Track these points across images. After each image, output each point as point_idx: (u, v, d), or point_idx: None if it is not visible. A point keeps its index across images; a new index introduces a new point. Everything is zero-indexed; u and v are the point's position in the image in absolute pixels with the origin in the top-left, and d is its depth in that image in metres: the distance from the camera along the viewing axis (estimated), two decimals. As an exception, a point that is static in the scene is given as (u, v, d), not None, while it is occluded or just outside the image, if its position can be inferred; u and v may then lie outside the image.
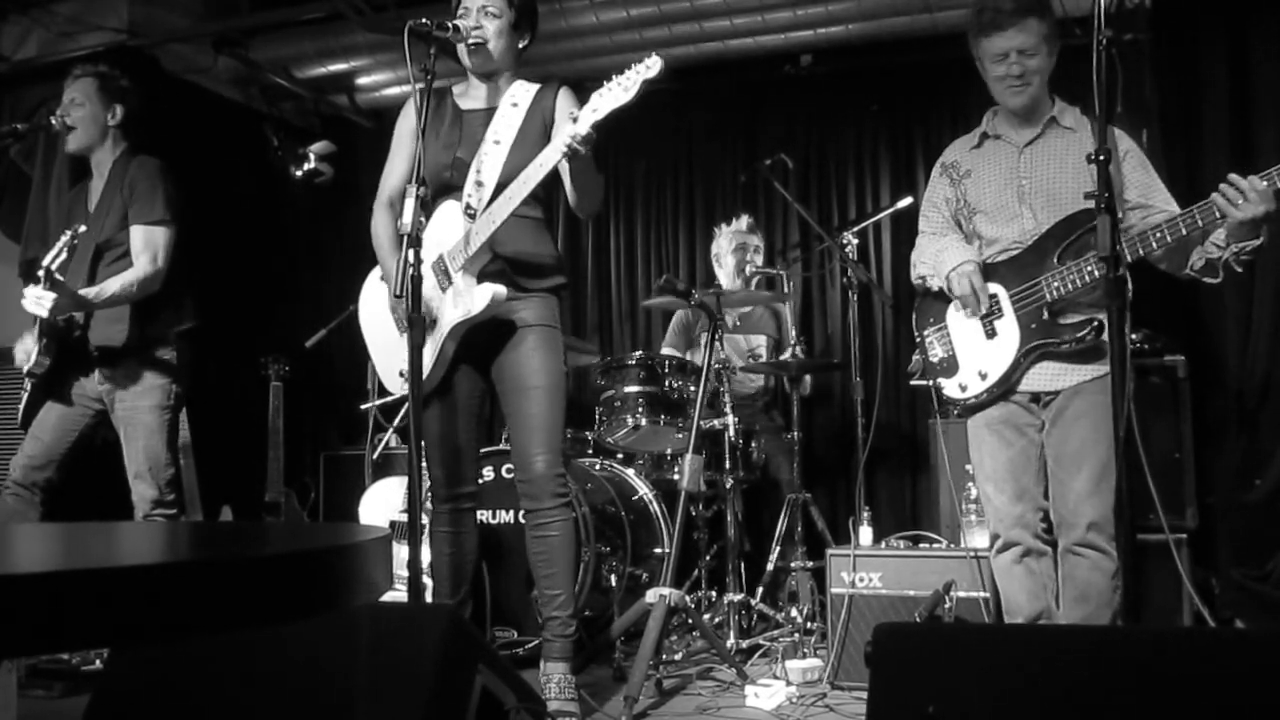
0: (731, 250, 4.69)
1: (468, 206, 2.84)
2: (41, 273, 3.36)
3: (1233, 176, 2.49)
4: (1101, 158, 2.31)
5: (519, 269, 2.90)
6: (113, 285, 3.42)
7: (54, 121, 3.70)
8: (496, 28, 2.89)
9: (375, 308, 3.16)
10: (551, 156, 2.67)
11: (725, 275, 4.71)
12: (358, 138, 5.74)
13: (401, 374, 3.04)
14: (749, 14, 4.71)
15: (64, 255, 3.35)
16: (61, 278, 3.35)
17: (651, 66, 2.57)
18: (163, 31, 5.04)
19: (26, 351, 3.56)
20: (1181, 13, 4.48)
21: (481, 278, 2.83)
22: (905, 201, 4.22)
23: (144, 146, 3.67)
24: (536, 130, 2.89)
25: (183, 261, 3.57)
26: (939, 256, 2.93)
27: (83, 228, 3.40)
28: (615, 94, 2.59)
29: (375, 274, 3.19)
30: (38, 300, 3.33)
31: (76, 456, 3.56)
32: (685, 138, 5.71)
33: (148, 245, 3.49)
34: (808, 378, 4.57)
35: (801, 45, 5.00)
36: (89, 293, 3.39)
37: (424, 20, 2.72)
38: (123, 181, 3.56)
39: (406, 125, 3.05)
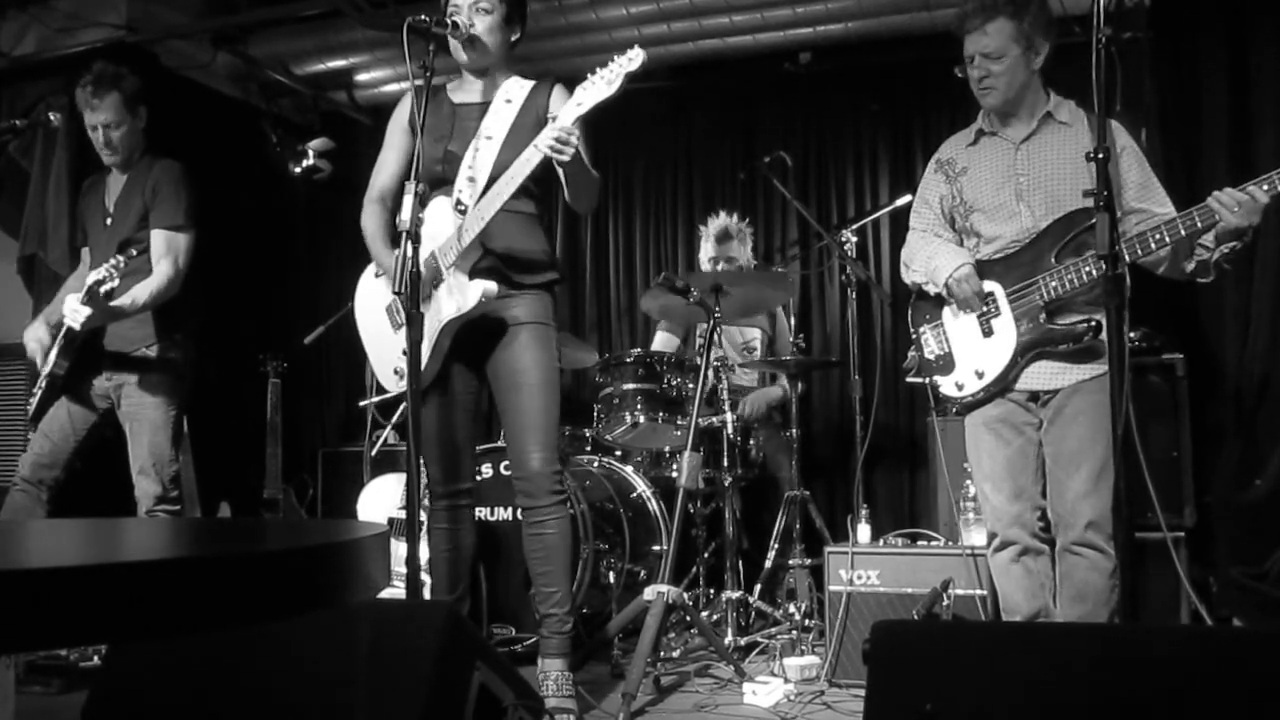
0: (708, 260, 4.67)
1: (458, 202, 2.85)
2: (87, 289, 3.37)
3: (1229, 189, 2.51)
4: (1100, 156, 2.31)
5: (511, 265, 2.91)
6: (143, 294, 3.45)
7: (52, 118, 3.68)
8: (488, 23, 2.90)
9: (369, 305, 3.16)
10: (535, 154, 2.67)
11: None
12: (356, 134, 5.74)
13: (396, 371, 3.05)
14: (748, 11, 4.72)
15: (115, 282, 3.34)
16: (104, 297, 3.34)
17: (634, 59, 2.57)
18: (161, 28, 5.03)
19: (38, 339, 3.58)
20: (1180, 11, 4.49)
21: (473, 274, 2.83)
22: (904, 199, 4.20)
23: (149, 143, 3.68)
24: (529, 127, 2.89)
25: (193, 262, 3.58)
26: (931, 262, 2.92)
27: (134, 251, 3.41)
28: (598, 88, 2.60)
29: (369, 271, 3.19)
30: (74, 313, 3.35)
31: (84, 454, 3.58)
32: (684, 135, 5.71)
33: (169, 250, 3.51)
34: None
35: (800, 43, 5.00)
36: (122, 303, 3.41)
37: (423, 17, 2.73)
38: (145, 183, 3.57)
39: (400, 121, 3.06)
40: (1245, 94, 4.37)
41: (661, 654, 3.37)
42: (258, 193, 5.47)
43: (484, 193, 2.80)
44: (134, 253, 3.41)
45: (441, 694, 1.88)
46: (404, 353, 2.72)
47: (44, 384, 3.54)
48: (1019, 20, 2.75)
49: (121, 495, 3.61)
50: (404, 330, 2.84)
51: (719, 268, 4.61)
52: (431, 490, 2.99)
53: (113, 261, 3.35)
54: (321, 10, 4.95)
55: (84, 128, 3.66)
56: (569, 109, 2.63)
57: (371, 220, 3.03)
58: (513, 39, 3.00)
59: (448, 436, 2.96)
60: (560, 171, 2.74)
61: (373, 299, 3.15)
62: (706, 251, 4.70)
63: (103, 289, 3.32)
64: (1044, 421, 2.82)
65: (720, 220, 4.72)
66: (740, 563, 3.93)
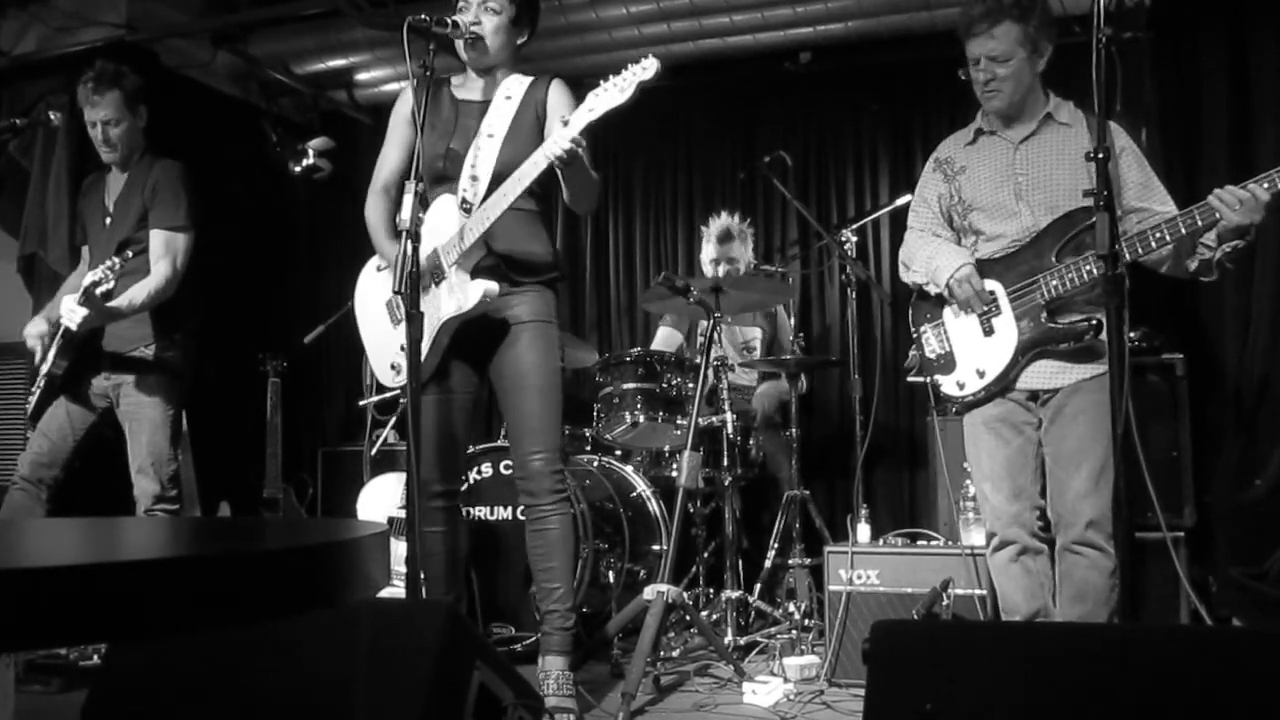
0: (710, 261, 4.66)
1: (463, 200, 2.85)
2: (83, 289, 3.38)
3: (1229, 187, 2.51)
4: (1100, 155, 2.31)
5: (513, 264, 2.91)
6: (140, 295, 3.45)
7: (52, 117, 3.67)
8: (495, 24, 2.90)
9: (369, 301, 3.17)
10: (544, 159, 2.66)
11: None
12: (356, 133, 5.74)
13: (394, 366, 3.05)
14: (748, 11, 4.71)
15: (110, 284, 3.34)
16: (101, 298, 3.35)
17: (648, 68, 2.57)
18: (161, 26, 5.03)
19: (37, 333, 3.58)
20: (1181, 11, 4.48)
21: (476, 273, 2.83)
22: (904, 199, 4.19)
23: (149, 142, 3.68)
24: (529, 124, 2.90)
25: (192, 261, 3.59)
26: (932, 261, 2.92)
27: (130, 254, 3.42)
28: (611, 95, 2.60)
29: (369, 267, 3.19)
30: (70, 313, 3.37)
31: (83, 453, 3.59)
32: (684, 135, 5.71)
33: (168, 250, 3.51)
34: (802, 376, 4.57)
35: (800, 42, 5.00)
36: (119, 304, 3.42)
37: (423, 16, 2.72)
38: (145, 182, 3.57)
39: (402, 113, 3.06)
40: (1245, 93, 4.37)
41: (661, 653, 3.38)
42: (258, 192, 5.47)
43: (487, 191, 2.80)
44: (130, 254, 3.42)
45: (441, 694, 1.88)
46: (401, 348, 2.73)
47: (42, 383, 3.55)
48: (1025, 24, 2.75)
49: (121, 494, 3.61)
50: (402, 326, 2.85)
51: (720, 268, 4.59)
52: (426, 490, 2.97)
53: (109, 263, 3.35)
54: (321, 9, 4.94)
55: (84, 126, 3.67)
56: (581, 115, 2.62)
57: (375, 212, 3.03)
58: (519, 40, 2.99)
59: (445, 434, 2.96)
60: (560, 173, 2.74)
61: (373, 294, 3.15)
62: (708, 252, 4.69)
63: (99, 290, 3.32)
64: (1044, 421, 2.82)
65: (722, 220, 4.71)
66: (740, 562, 3.92)
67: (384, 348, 3.09)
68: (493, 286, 2.79)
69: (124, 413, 3.54)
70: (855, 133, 5.40)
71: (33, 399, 3.59)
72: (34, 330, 3.63)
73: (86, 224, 3.74)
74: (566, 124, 2.63)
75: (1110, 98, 2.37)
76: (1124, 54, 4.26)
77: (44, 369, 3.53)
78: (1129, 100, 4.25)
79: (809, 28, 4.81)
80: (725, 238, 4.65)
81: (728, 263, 4.60)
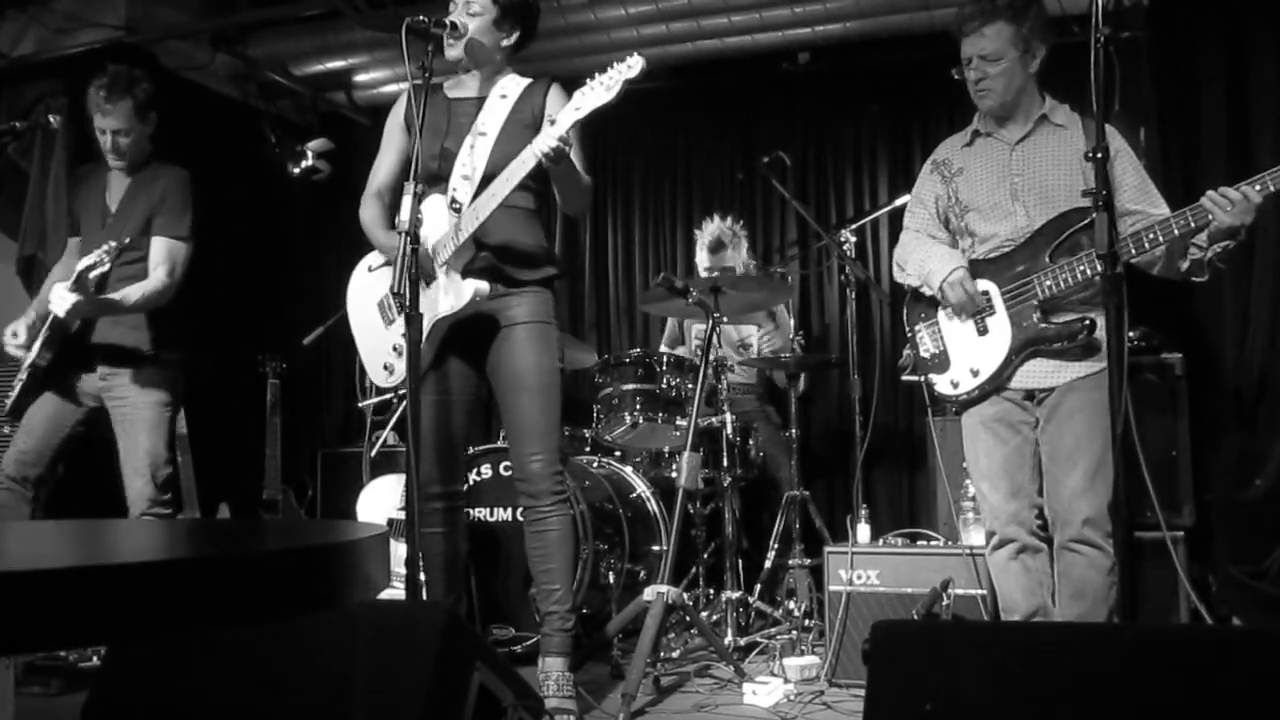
0: (704, 270, 4.66)
1: (453, 200, 2.85)
2: (75, 275, 3.33)
3: (1222, 189, 2.51)
4: (1099, 155, 2.32)
5: (509, 261, 2.90)
6: (135, 294, 3.41)
7: (51, 120, 3.66)
8: (476, 25, 2.90)
9: (361, 302, 3.17)
10: (531, 158, 2.67)
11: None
12: (355, 135, 5.74)
13: (387, 366, 3.05)
14: (747, 11, 4.72)
15: (105, 267, 3.32)
16: (92, 285, 3.32)
17: (633, 66, 2.57)
18: (160, 28, 5.03)
19: (14, 334, 3.50)
20: (1179, 11, 4.49)
21: (469, 273, 2.83)
22: (903, 199, 4.19)
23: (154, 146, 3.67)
24: (523, 124, 2.90)
25: (190, 265, 3.57)
26: (925, 265, 2.93)
27: (128, 239, 3.39)
28: (597, 93, 2.60)
29: (360, 268, 3.20)
30: (60, 300, 3.31)
31: (72, 452, 3.54)
32: (683, 135, 5.71)
33: (168, 259, 3.49)
34: (802, 375, 4.57)
35: (799, 43, 5.00)
36: (113, 296, 3.39)
37: (421, 18, 2.73)
38: (153, 188, 3.54)
39: (397, 119, 3.06)
40: (1244, 93, 4.37)
41: (661, 654, 3.37)
42: (257, 193, 5.47)
43: (479, 190, 2.80)
44: (128, 240, 3.38)
45: (441, 694, 1.89)
46: (394, 349, 2.73)
47: (24, 376, 3.46)
48: (1018, 24, 2.76)
49: (114, 497, 3.56)
50: (395, 326, 2.86)
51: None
52: (425, 491, 2.97)
53: (105, 247, 3.30)
54: (320, 11, 4.95)
55: (83, 128, 3.65)
56: (567, 114, 2.63)
57: (369, 213, 3.03)
58: (504, 42, 2.98)
59: (444, 435, 2.95)
60: (550, 173, 2.75)
61: (365, 295, 3.15)
62: (702, 260, 4.70)
63: (92, 274, 3.27)
64: (1040, 420, 2.82)
65: (713, 227, 4.70)
66: (740, 563, 3.93)
67: (376, 348, 3.09)
68: (483, 286, 2.79)
69: (119, 414, 3.49)
70: (854, 133, 5.40)
71: (13, 393, 3.49)
72: (9, 328, 3.53)
73: (80, 216, 3.65)
74: (554, 123, 2.63)
75: (1108, 98, 2.37)
76: (1122, 54, 4.27)
77: (28, 360, 3.45)
78: (1127, 100, 4.26)
79: (807, 28, 4.81)
80: (717, 247, 4.65)
81: (721, 272, 4.61)
